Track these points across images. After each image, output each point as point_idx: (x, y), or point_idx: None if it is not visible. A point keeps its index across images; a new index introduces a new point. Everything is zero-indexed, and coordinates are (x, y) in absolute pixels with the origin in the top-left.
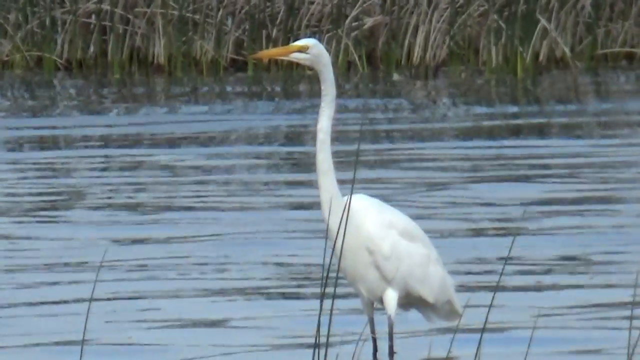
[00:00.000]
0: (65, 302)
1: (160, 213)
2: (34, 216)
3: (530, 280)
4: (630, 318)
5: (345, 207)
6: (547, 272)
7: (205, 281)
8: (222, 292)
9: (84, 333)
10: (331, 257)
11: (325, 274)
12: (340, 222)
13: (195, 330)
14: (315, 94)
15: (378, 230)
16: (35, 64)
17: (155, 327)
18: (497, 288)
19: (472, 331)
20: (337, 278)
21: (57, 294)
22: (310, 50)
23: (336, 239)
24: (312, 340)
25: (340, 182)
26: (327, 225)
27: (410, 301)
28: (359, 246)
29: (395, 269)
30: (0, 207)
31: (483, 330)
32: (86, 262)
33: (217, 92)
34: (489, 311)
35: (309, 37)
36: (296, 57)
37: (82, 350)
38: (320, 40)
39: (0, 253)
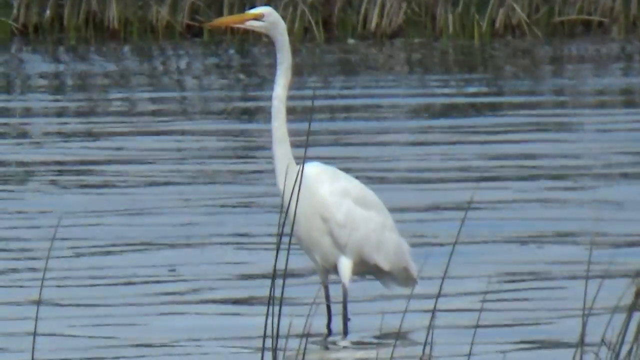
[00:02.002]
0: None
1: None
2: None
3: (483, 250)
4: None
5: (298, 175)
6: (500, 242)
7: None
8: (170, 246)
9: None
10: (282, 225)
11: (278, 243)
12: (293, 189)
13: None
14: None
15: (332, 198)
16: None
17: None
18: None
19: (427, 297)
20: (289, 245)
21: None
22: (266, 18)
23: (290, 207)
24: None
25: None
26: (282, 193)
27: (366, 269)
28: (313, 214)
29: (350, 237)
30: None
31: (437, 299)
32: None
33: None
34: (442, 282)
35: (265, 4)
36: (251, 24)
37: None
38: (277, 5)
39: None
